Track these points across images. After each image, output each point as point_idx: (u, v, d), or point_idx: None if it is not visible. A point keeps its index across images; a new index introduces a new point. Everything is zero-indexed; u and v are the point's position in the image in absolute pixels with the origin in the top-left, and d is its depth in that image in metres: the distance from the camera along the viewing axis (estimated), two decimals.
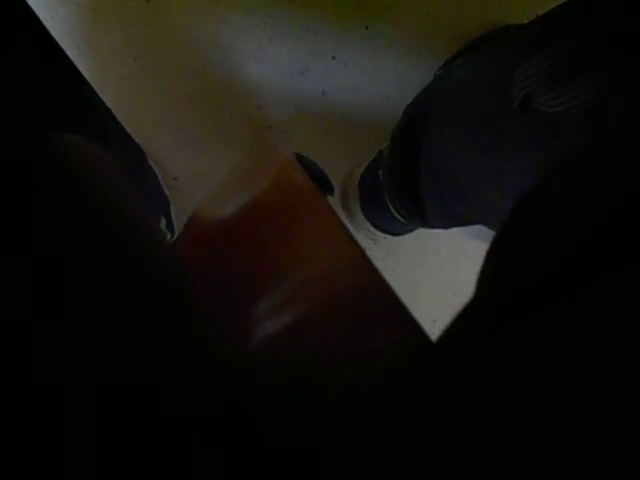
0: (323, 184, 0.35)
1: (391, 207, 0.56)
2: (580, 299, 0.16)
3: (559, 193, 0.21)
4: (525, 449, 0.14)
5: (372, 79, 0.67)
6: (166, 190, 0.66)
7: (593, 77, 0.25)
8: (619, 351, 0.14)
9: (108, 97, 0.49)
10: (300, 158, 0.31)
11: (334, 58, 0.66)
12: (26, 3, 0.31)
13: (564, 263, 0.17)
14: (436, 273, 0.73)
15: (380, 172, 0.57)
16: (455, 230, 0.66)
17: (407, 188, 0.50)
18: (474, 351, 0.17)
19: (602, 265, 0.16)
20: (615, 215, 0.17)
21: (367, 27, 0.65)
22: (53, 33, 0.35)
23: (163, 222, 0.63)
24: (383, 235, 0.66)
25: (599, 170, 0.20)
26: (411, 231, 0.66)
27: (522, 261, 0.19)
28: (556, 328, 0.16)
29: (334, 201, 0.68)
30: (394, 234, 0.66)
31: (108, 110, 0.49)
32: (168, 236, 0.64)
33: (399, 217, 0.57)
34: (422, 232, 0.68)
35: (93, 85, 0.43)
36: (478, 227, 0.62)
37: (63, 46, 0.36)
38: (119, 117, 0.52)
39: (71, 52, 0.38)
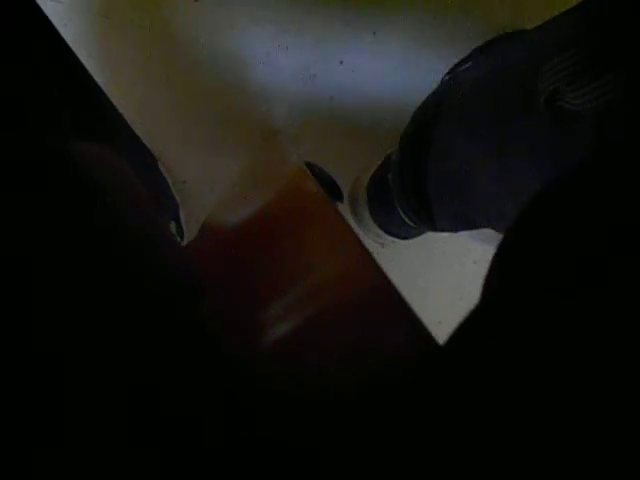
0: (333, 191, 0.36)
1: (400, 210, 0.57)
2: (584, 302, 0.16)
3: (564, 198, 0.21)
4: (529, 449, 0.14)
5: (380, 84, 0.67)
6: (175, 194, 0.67)
7: (618, 77, 0.25)
8: (622, 353, 0.14)
9: (119, 102, 0.49)
10: (309, 166, 0.31)
11: (342, 63, 0.66)
12: (42, 12, 0.32)
13: (569, 267, 0.17)
14: (443, 276, 0.73)
15: (389, 176, 0.57)
16: (461, 234, 0.66)
17: (416, 191, 0.50)
18: (480, 353, 0.18)
19: (607, 269, 0.16)
20: (622, 220, 0.17)
21: (375, 33, 0.65)
22: (66, 39, 0.36)
23: (173, 226, 0.63)
24: (391, 239, 0.66)
25: (605, 175, 0.20)
26: (419, 235, 0.66)
27: (528, 265, 0.19)
28: (561, 331, 0.16)
29: (343, 206, 0.69)
30: (402, 238, 0.66)
31: (119, 114, 0.50)
32: (178, 240, 0.64)
33: (408, 220, 0.57)
34: (429, 236, 0.68)
35: (104, 90, 0.44)
36: (484, 231, 0.62)
37: (75, 52, 0.37)
38: (129, 121, 0.53)
39: (83, 58, 0.38)
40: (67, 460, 0.16)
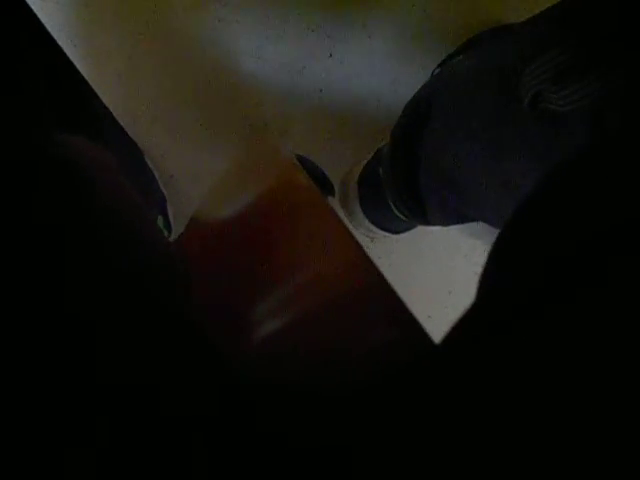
0: (323, 185, 0.36)
1: (391, 204, 0.57)
2: (582, 300, 0.16)
3: (561, 194, 0.21)
4: (527, 449, 0.14)
5: (369, 77, 0.67)
6: (163, 188, 0.66)
7: (601, 76, 0.25)
8: (621, 351, 0.14)
9: (104, 94, 0.49)
10: (300, 159, 0.31)
11: (331, 56, 0.66)
12: (25, 3, 0.31)
13: (566, 264, 0.17)
14: (432, 270, 0.73)
15: (380, 169, 0.57)
16: (451, 228, 0.66)
17: (407, 185, 0.50)
18: (477, 352, 0.18)
19: (604, 266, 0.16)
20: (617, 216, 0.17)
21: (364, 25, 0.65)
22: (50, 31, 0.35)
23: (160, 220, 0.63)
24: (382, 233, 0.66)
25: (601, 171, 0.20)
26: (410, 229, 0.66)
27: (524, 262, 0.19)
28: (558, 329, 0.16)
29: (333, 200, 0.68)
30: (394, 232, 0.66)
31: (105, 107, 0.49)
32: (166, 234, 0.64)
33: (399, 214, 0.57)
34: (419, 230, 0.69)
35: (89, 82, 0.43)
36: (474, 225, 0.63)
37: (59, 44, 0.36)
38: (115, 114, 0.52)
39: (67, 50, 0.38)
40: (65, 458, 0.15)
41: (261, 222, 0.28)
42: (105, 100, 0.49)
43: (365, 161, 0.64)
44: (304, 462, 0.19)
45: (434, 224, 0.54)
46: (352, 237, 0.25)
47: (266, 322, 0.26)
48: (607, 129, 0.25)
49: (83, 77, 0.41)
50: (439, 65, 0.66)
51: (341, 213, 0.69)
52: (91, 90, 0.44)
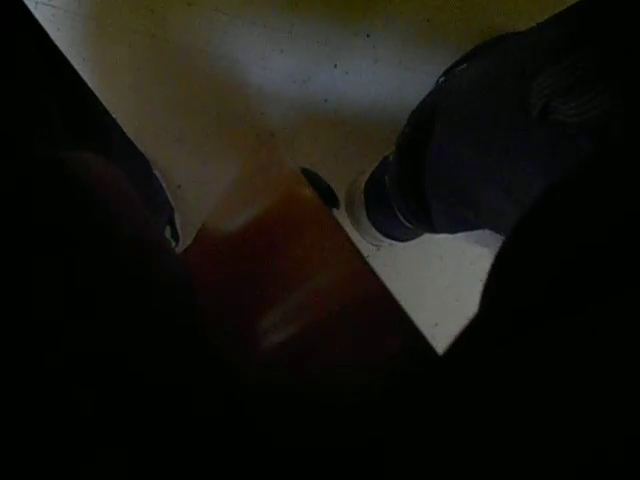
0: (329, 197, 0.36)
1: (398, 212, 0.56)
2: (583, 313, 0.16)
3: (563, 207, 0.21)
4: (527, 459, 0.14)
5: (374, 87, 0.67)
6: (170, 198, 0.66)
7: (608, 88, 0.25)
8: (622, 364, 0.14)
9: (113, 106, 0.49)
10: (305, 172, 0.31)
11: (336, 67, 0.66)
12: (34, 17, 0.31)
13: (567, 277, 0.17)
14: (438, 278, 0.73)
15: (386, 177, 0.57)
16: (457, 236, 0.66)
17: (413, 193, 0.50)
18: (477, 364, 0.18)
19: (605, 280, 0.16)
20: (619, 230, 0.17)
21: (368, 35, 0.65)
22: (59, 45, 0.35)
23: (168, 230, 0.63)
24: (389, 241, 0.66)
25: (604, 184, 0.20)
26: (417, 236, 0.66)
27: (525, 275, 0.19)
28: (559, 341, 0.16)
29: (339, 211, 0.68)
30: (400, 240, 0.66)
31: (113, 119, 0.49)
32: (173, 244, 0.64)
33: (406, 222, 0.57)
34: (425, 238, 0.69)
35: (98, 95, 0.44)
36: (480, 233, 0.62)
37: (69, 57, 0.37)
38: (123, 126, 0.52)
39: (76, 63, 0.38)
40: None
41: (266, 235, 0.28)
42: (113, 111, 0.49)
43: (371, 170, 0.65)
44: (304, 463, 0.19)
45: (440, 232, 0.54)
46: (355, 249, 0.26)
47: (271, 332, 0.27)
48: (611, 141, 0.25)
49: (90, 89, 0.42)
50: (444, 73, 0.66)
51: (347, 222, 0.69)
52: (99, 102, 0.45)
